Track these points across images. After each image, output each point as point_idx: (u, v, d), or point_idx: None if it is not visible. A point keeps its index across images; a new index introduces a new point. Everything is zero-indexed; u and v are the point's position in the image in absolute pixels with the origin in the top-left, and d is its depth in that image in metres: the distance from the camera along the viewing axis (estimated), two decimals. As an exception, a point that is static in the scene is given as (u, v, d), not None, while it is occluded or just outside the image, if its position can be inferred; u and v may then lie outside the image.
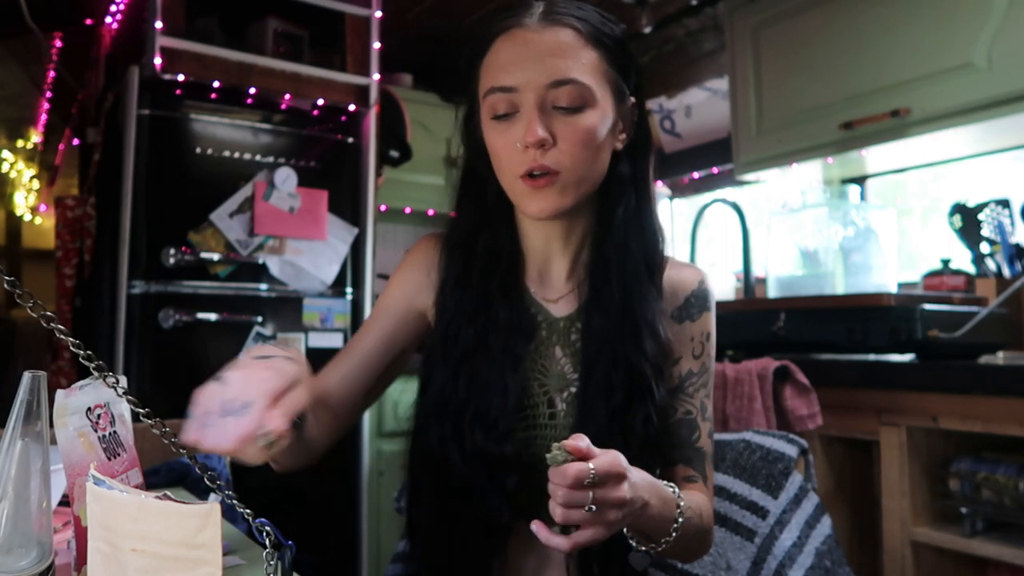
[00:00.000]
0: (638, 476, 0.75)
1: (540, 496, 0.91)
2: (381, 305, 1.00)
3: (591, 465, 0.69)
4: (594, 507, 0.69)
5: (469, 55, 0.92)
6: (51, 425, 0.64)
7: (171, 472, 1.22)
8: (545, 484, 0.91)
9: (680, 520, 0.81)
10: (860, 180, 2.56)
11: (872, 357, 1.77)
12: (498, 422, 0.88)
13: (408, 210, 3.04)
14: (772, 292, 2.39)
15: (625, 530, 0.81)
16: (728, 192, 2.90)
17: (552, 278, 0.97)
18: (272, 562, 0.59)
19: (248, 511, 0.62)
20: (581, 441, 0.70)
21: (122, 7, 2.47)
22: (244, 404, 0.62)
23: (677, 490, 0.83)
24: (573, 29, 0.85)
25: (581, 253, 0.96)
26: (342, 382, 0.94)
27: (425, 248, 1.01)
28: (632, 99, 0.92)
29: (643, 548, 0.81)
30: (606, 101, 0.87)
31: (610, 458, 0.71)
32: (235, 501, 0.65)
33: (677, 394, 0.94)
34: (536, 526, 0.72)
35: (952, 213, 2.07)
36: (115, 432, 0.70)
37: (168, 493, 0.54)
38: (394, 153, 2.72)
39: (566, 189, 0.86)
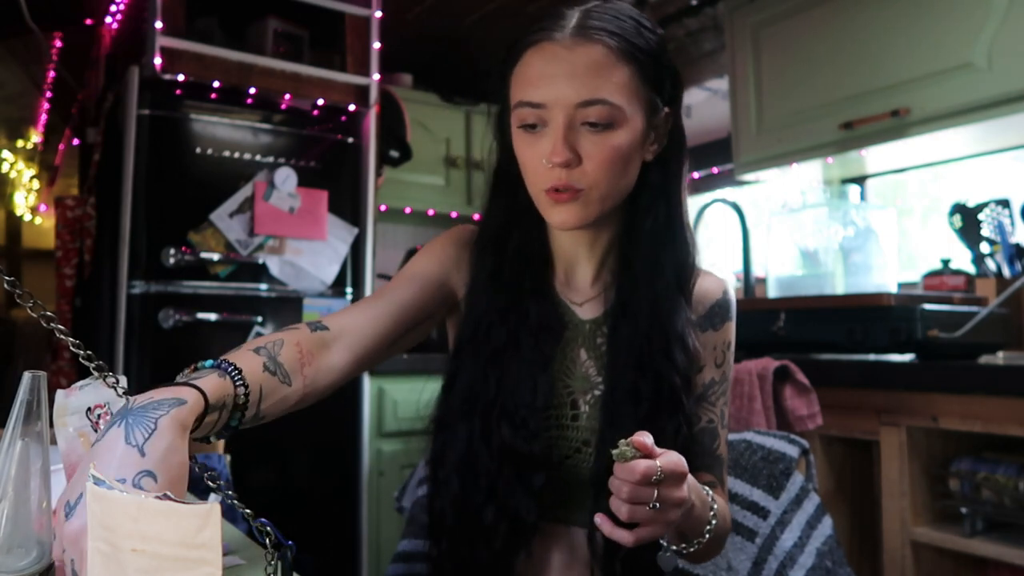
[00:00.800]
0: (692, 484, 0.77)
1: (562, 494, 0.92)
2: (416, 268, 0.98)
3: (658, 463, 0.70)
4: (658, 504, 0.71)
5: (502, 59, 0.91)
6: (51, 425, 0.64)
7: (171, 472, 1.21)
8: (567, 483, 0.92)
9: (713, 522, 0.83)
10: (860, 180, 2.56)
11: (872, 357, 1.77)
12: (527, 421, 0.88)
13: (408, 210, 3.04)
14: (772, 292, 2.39)
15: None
16: (728, 192, 2.89)
17: (578, 281, 0.97)
18: (272, 562, 0.59)
19: (248, 511, 0.62)
20: (647, 438, 0.71)
21: (122, 7, 2.47)
22: None
23: (711, 492, 0.84)
24: (605, 46, 0.83)
25: (607, 259, 0.96)
26: (372, 323, 0.90)
27: (461, 235, 1.00)
28: (666, 109, 0.91)
29: (674, 548, 0.82)
30: (636, 118, 0.86)
31: (675, 458, 0.72)
32: (235, 501, 0.65)
33: (701, 403, 0.95)
34: (600, 519, 0.73)
35: (952, 213, 2.07)
36: (115, 432, 0.70)
37: (168, 493, 0.54)
38: (394, 153, 2.72)
39: (589, 204, 0.86)
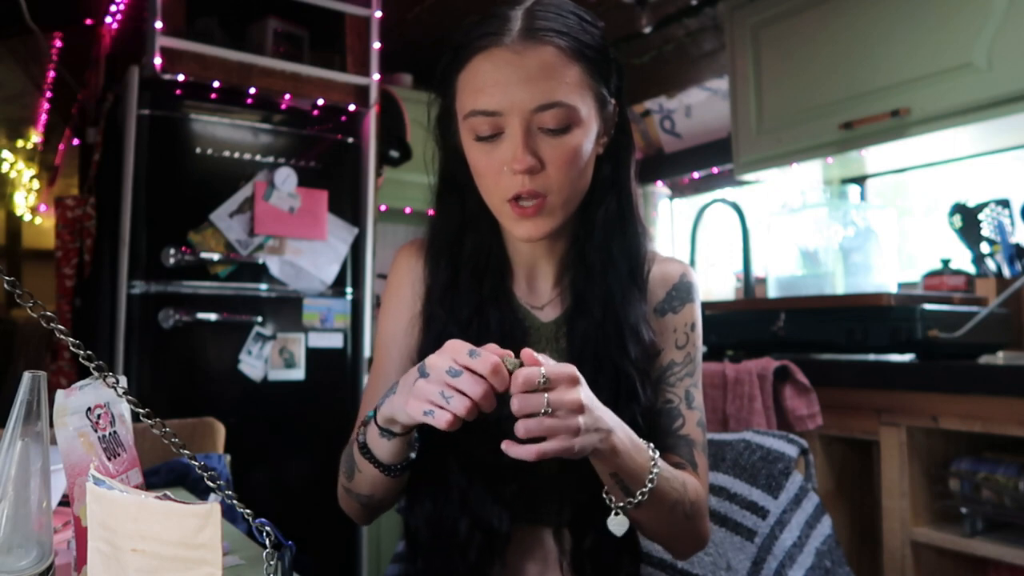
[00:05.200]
0: (600, 405, 0.76)
1: (533, 498, 0.91)
2: (386, 340, 0.99)
3: (541, 369, 0.71)
4: (550, 409, 0.70)
5: (445, 63, 0.90)
6: (51, 425, 0.64)
7: (171, 472, 1.22)
8: (539, 486, 0.91)
9: (655, 471, 0.80)
10: (860, 180, 2.56)
11: (872, 357, 1.77)
12: (494, 433, 0.88)
13: (408, 210, 3.04)
14: (772, 292, 2.39)
15: (605, 494, 0.82)
16: (728, 192, 2.90)
17: (539, 284, 0.97)
18: (272, 562, 0.59)
19: (248, 511, 0.62)
20: (533, 352, 0.73)
21: (122, 7, 2.47)
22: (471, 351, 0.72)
23: (652, 445, 0.82)
24: (555, 46, 0.82)
25: (566, 259, 0.96)
26: None
27: (404, 263, 1.00)
28: (613, 102, 0.90)
29: (621, 505, 0.81)
30: (590, 115, 0.85)
31: (561, 365, 0.73)
32: (235, 501, 0.65)
33: (659, 384, 0.94)
34: (506, 444, 0.72)
35: (952, 213, 2.07)
36: (115, 432, 0.70)
37: (168, 493, 0.54)
38: (394, 153, 2.72)
39: (555, 212, 0.86)
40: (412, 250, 1.01)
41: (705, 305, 1.99)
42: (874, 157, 2.30)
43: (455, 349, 0.72)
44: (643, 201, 3.03)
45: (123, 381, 0.67)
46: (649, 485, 0.80)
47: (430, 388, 0.72)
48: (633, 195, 0.94)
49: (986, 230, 2.02)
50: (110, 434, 0.69)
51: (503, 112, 0.82)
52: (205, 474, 0.67)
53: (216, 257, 2.16)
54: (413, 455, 0.86)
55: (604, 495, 0.82)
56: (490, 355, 0.71)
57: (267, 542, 0.60)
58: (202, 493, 1.18)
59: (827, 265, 2.26)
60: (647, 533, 0.90)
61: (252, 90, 2.27)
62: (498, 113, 0.83)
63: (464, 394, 0.71)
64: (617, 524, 0.82)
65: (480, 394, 0.70)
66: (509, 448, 0.72)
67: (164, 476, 1.20)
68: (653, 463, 0.81)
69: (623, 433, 0.78)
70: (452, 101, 0.89)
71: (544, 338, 0.94)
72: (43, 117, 2.99)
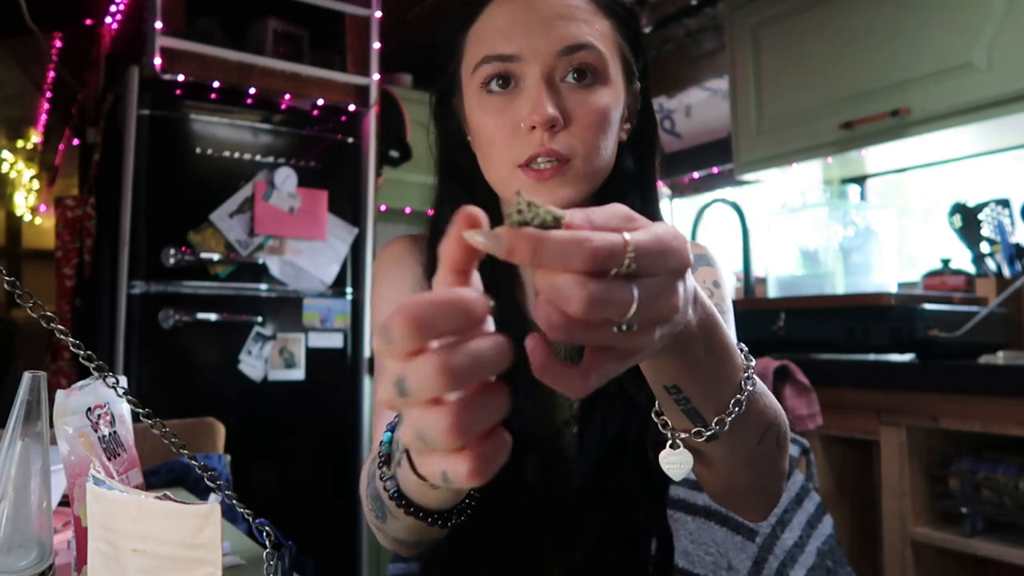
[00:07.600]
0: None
1: (556, 540, 0.83)
2: None
3: (627, 236, 0.37)
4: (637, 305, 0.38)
5: (451, 27, 0.78)
6: (51, 425, 0.64)
7: (171, 472, 1.22)
8: (552, 515, 0.82)
9: (751, 369, 0.55)
10: (860, 180, 2.56)
11: (872, 357, 1.77)
12: (515, 476, 0.79)
13: (408, 210, 3.04)
14: (772, 292, 2.39)
15: (656, 414, 0.58)
16: (728, 192, 2.89)
17: None
18: (272, 562, 0.59)
19: (248, 511, 0.62)
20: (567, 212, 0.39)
21: (122, 7, 2.47)
22: None
23: (742, 343, 0.59)
24: None
25: None
26: None
27: (403, 261, 0.86)
28: (639, 83, 0.80)
29: (683, 435, 0.55)
30: (618, 79, 0.74)
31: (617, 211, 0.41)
32: (235, 501, 0.65)
33: None
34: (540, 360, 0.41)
35: (952, 213, 2.07)
36: (115, 432, 0.70)
37: (168, 493, 0.54)
38: (394, 153, 2.72)
39: (577, 180, 0.71)
40: (412, 249, 0.88)
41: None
42: (874, 157, 2.30)
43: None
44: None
45: (123, 381, 0.67)
46: (748, 390, 0.54)
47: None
48: (657, 193, 0.83)
49: (986, 230, 2.02)
50: (110, 434, 0.69)
51: (521, 56, 0.70)
52: (205, 474, 0.67)
53: (216, 257, 2.16)
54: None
55: (654, 414, 0.58)
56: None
57: (267, 542, 0.60)
58: (202, 493, 1.18)
59: (827, 265, 2.26)
60: (717, 482, 0.65)
61: (252, 90, 2.27)
62: (515, 58, 0.70)
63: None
64: (675, 462, 0.53)
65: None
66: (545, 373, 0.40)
67: (164, 476, 1.20)
68: (746, 376, 0.55)
69: (721, 322, 0.52)
70: (458, 66, 0.78)
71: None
72: (43, 117, 2.99)
